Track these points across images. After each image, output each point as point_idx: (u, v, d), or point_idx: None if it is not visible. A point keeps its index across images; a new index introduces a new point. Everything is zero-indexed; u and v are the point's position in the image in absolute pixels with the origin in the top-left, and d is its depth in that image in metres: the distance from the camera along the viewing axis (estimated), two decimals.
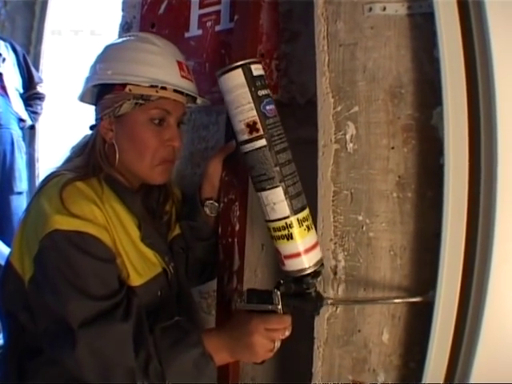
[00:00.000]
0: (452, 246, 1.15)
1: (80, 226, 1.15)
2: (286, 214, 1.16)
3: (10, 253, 1.27)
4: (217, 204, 1.48)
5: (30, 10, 3.93)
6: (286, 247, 1.18)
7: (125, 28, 2.05)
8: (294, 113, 1.27)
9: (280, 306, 1.17)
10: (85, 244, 1.15)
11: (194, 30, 1.74)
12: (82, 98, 1.39)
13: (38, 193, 1.25)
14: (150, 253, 1.34)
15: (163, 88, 1.28)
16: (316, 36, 1.36)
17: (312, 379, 1.40)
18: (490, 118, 1.11)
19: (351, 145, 1.32)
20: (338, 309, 1.36)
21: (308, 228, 1.18)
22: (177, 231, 1.53)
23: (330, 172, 1.35)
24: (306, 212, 1.19)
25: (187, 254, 1.54)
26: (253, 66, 1.15)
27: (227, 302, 1.46)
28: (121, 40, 1.38)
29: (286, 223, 1.16)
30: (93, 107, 1.37)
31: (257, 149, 1.15)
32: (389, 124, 1.28)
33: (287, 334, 1.20)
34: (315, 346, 1.40)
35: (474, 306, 1.15)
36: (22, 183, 3.63)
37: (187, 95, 1.36)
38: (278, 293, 1.18)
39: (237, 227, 1.45)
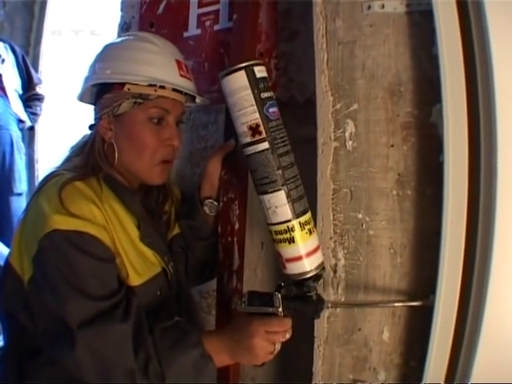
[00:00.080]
0: (452, 243, 1.15)
1: (79, 225, 1.15)
2: (288, 218, 1.15)
3: (10, 253, 1.26)
4: (216, 203, 1.48)
5: (29, 11, 3.92)
6: (287, 251, 1.17)
7: (124, 28, 2.05)
8: (294, 111, 1.27)
9: (281, 309, 1.17)
10: (84, 244, 1.15)
11: (193, 30, 1.74)
12: (81, 98, 1.39)
13: (37, 193, 1.25)
14: (149, 252, 1.34)
15: (162, 87, 1.28)
16: (315, 34, 1.36)
17: (312, 378, 1.40)
18: (490, 115, 1.11)
19: (350, 143, 1.32)
20: (338, 308, 1.36)
21: (310, 231, 1.18)
22: (176, 231, 1.52)
23: (330, 170, 1.35)
24: (307, 215, 1.19)
25: (187, 254, 1.54)
26: (256, 68, 1.14)
27: (227, 302, 1.46)
28: (120, 39, 1.38)
29: (287, 227, 1.16)
30: (92, 107, 1.37)
31: (259, 152, 1.15)
32: (388, 122, 1.28)
33: (288, 336, 1.20)
34: (315, 345, 1.40)
35: (474, 305, 1.15)
36: (21, 184, 3.62)
37: (186, 94, 1.35)
38: (279, 295, 1.18)
39: (236, 226, 1.44)
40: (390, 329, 1.31)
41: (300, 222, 1.16)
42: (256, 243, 1.70)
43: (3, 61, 3.60)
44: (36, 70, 3.89)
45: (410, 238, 1.27)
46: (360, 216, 1.32)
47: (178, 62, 1.33)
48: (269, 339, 1.17)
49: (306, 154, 1.26)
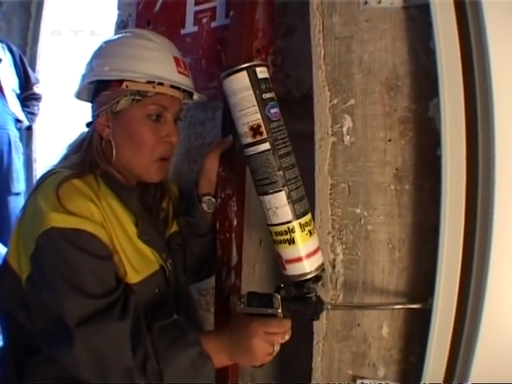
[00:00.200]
0: (450, 238, 1.15)
1: (77, 223, 1.15)
2: (289, 219, 1.15)
3: (7, 252, 1.27)
4: (214, 200, 1.48)
5: (26, 11, 3.93)
6: (287, 252, 1.17)
7: (121, 26, 2.05)
8: (290, 107, 1.28)
9: (280, 310, 1.17)
10: (81, 241, 1.15)
11: (190, 27, 1.74)
12: (79, 96, 1.39)
13: (34, 191, 1.25)
14: (147, 250, 1.34)
15: (160, 84, 1.28)
16: (312, 30, 1.36)
17: (312, 374, 1.40)
18: (487, 109, 1.11)
19: (348, 137, 1.32)
20: (337, 303, 1.36)
21: (310, 233, 1.18)
22: (174, 228, 1.52)
23: (327, 165, 1.35)
24: (308, 216, 1.19)
25: (185, 251, 1.54)
26: (258, 69, 1.14)
27: (225, 299, 1.45)
28: (117, 37, 1.38)
29: (288, 228, 1.15)
30: (89, 105, 1.37)
31: (260, 152, 1.14)
32: (385, 116, 1.28)
33: (287, 337, 1.20)
34: (314, 341, 1.40)
35: (473, 302, 1.15)
36: (19, 184, 3.63)
37: (184, 91, 1.36)
38: (279, 297, 1.18)
39: (234, 222, 1.44)
40: (389, 324, 1.31)
41: (300, 223, 1.16)
42: (254, 240, 1.70)
43: (0, 60, 3.60)
44: (33, 69, 3.89)
45: (408, 233, 1.27)
46: (358, 211, 1.32)
47: (175, 58, 1.33)
48: (268, 340, 1.18)
49: (303, 149, 1.25)
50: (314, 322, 1.37)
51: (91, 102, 1.35)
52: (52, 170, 1.29)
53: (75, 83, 1.36)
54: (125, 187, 1.36)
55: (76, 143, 1.37)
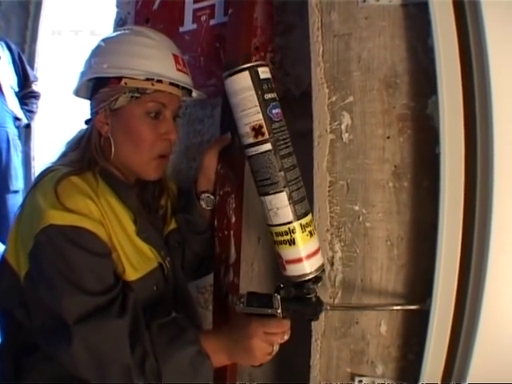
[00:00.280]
0: (449, 235, 1.15)
1: (75, 220, 1.15)
2: (289, 220, 1.15)
3: (5, 249, 1.26)
4: (212, 197, 1.47)
5: (25, 10, 3.93)
6: (287, 252, 1.17)
7: (119, 24, 2.05)
8: (289, 105, 1.28)
9: (280, 310, 1.17)
10: (80, 239, 1.14)
11: (189, 25, 1.74)
12: (77, 93, 1.38)
13: (33, 188, 1.25)
14: (145, 247, 1.34)
15: (159, 81, 1.28)
16: (310, 27, 1.36)
17: (310, 372, 1.40)
18: (486, 107, 1.11)
19: (347, 135, 1.32)
20: (336, 300, 1.36)
21: (310, 234, 1.17)
22: (173, 225, 1.52)
23: (326, 162, 1.35)
24: (309, 217, 1.18)
25: (183, 249, 1.54)
26: (260, 69, 1.14)
27: (224, 296, 1.45)
28: (115, 34, 1.37)
29: (288, 228, 1.15)
30: (87, 102, 1.36)
31: (261, 153, 1.14)
32: (384, 114, 1.28)
33: (286, 338, 1.20)
34: (313, 339, 1.40)
35: (471, 299, 1.15)
36: (18, 182, 3.64)
37: (183, 88, 1.35)
38: (278, 297, 1.17)
39: (233, 220, 1.44)
40: (387, 322, 1.31)
41: (301, 224, 1.15)
42: (253, 237, 1.69)
43: None
44: (32, 67, 3.89)
45: (406, 230, 1.27)
46: (356, 208, 1.32)
47: (174, 56, 1.33)
48: (267, 340, 1.18)
49: (302, 147, 1.25)
50: None
51: (90, 100, 1.35)
52: (50, 167, 1.28)
53: (74, 81, 1.36)
54: (123, 184, 1.35)
55: (74, 140, 1.37)
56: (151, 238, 1.36)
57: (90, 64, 1.32)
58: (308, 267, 1.16)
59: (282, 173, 1.14)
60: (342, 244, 1.34)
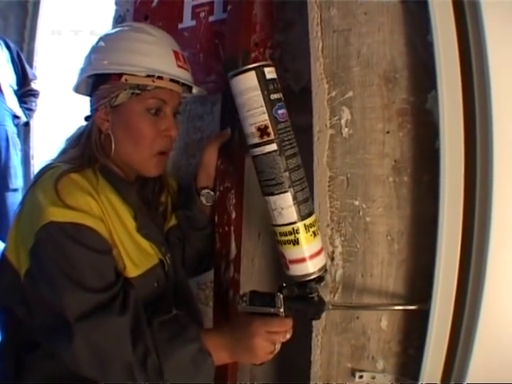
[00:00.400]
0: (449, 230, 1.15)
1: (75, 217, 1.14)
2: (294, 220, 1.15)
3: (5, 247, 1.26)
4: (213, 193, 1.47)
5: (23, 8, 3.92)
6: (291, 252, 1.17)
7: (118, 21, 2.05)
8: (289, 101, 1.27)
9: (282, 310, 1.17)
10: (81, 236, 1.14)
11: (188, 21, 1.74)
12: (77, 89, 1.38)
13: (33, 185, 1.24)
14: (146, 244, 1.34)
15: (160, 78, 1.28)
16: (310, 23, 1.36)
17: (311, 367, 1.41)
18: (485, 101, 1.11)
19: (346, 130, 1.32)
20: (336, 296, 1.36)
21: (314, 234, 1.17)
22: (173, 222, 1.52)
23: (326, 157, 1.35)
24: (312, 218, 1.18)
25: (184, 245, 1.54)
26: (266, 69, 1.13)
27: (224, 292, 1.46)
28: (115, 30, 1.37)
29: (292, 228, 1.15)
30: (87, 99, 1.36)
31: (267, 153, 1.14)
32: (384, 108, 1.28)
33: (288, 336, 1.20)
34: (313, 334, 1.40)
35: (471, 294, 1.16)
36: (17, 180, 3.63)
37: (183, 85, 1.35)
38: (281, 296, 1.18)
39: (233, 215, 1.44)
40: (388, 317, 1.31)
41: (305, 225, 1.15)
42: (253, 233, 1.70)
43: None
44: (30, 66, 3.88)
45: (406, 225, 1.27)
46: (357, 203, 1.32)
47: (175, 52, 1.33)
48: (269, 339, 1.17)
49: (302, 142, 1.25)
50: None
51: (90, 96, 1.35)
52: (50, 164, 1.28)
53: (73, 78, 1.36)
54: (124, 181, 1.35)
55: (74, 137, 1.36)
56: (151, 235, 1.36)
57: (89, 60, 1.31)
58: (311, 267, 1.17)
59: (287, 173, 1.14)
60: (343, 239, 1.35)
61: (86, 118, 1.36)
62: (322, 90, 1.34)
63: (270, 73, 1.14)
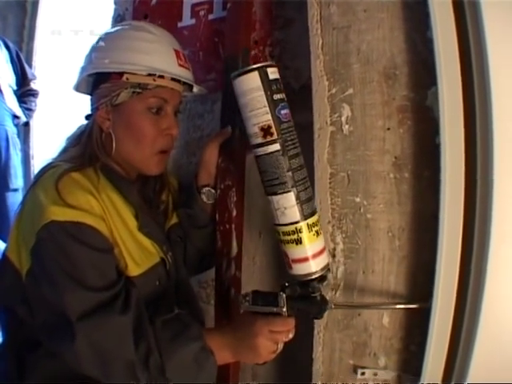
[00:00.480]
0: (450, 226, 1.15)
1: (77, 216, 1.14)
2: (297, 219, 1.15)
3: (7, 246, 1.26)
4: (213, 191, 1.47)
5: (22, 8, 3.92)
6: (294, 251, 1.17)
7: (117, 20, 2.05)
8: (289, 98, 1.28)
9: (285, 309, 1.17)
10: (82, 235, 1.14)
11: (187, 20, 1.74)
12: (77, 88, 1.38)
13: (33, 184, 1.24)
14: (147, 242, 1.33)
15: (161, 77, 1.28)
16: (309, 20, 1.37)
17: (313, 364, 1.41)
18: (485, 97, 1.11)
19: (347, 127, 1.32)
20: (338, 292, 1.37)
21: (317, 233, 1.18)
22: (174, 220, 1.52)
23: (327, 154, 1.35)
24: (315, 217, 1.19)
25: (185, 243, 1.54)
26: (269, 70, 1.13)
27: (226, 290, 1.45)
28: (116, 29, 1.36)
29: (295, 228, 1.15)
30: (87, 98, 1.36)
31: (270, 153, 1.14)
32: (384, 105, 1.28)
33: (290, 336, 1.20)
34: (315, 331, 1.41)
35: (473, 290, 1.16)
36: (17, 180, 3.62)
37: (184, 83, 1.35)
38: (284, 296, 1.18)
39: (234, 213, 1.44)
40: (389, 314, 1.32)
41: (308, 224, 1.16)
42: (254, 231, 1.70)
43: None
44: (29, 65, 3.88)
45: (408, 221, 1.28)
46: (358, 200, 1.33)
47: (176, 51, 1.33)
48: (272, 339, 1.17)
49: (302, 140, 1.25)
50: None
51: (90, 95, 1.35)
52: (51, 163, 1.28)
53: (74, 76, 1.35)
54: (125, 180, 1.35)
55: (75, 136, 1.36)
56: (153, 233, 1.36)
57: (90, 59, 1.31)
58: (314, 266, 1.17)
59: (290, 173, 1.14)
60: (344, 236, 1.35)
61: (87, 117, 1.36)
62: (323, 87, 1.35)
63: (272, 73, 1.14)
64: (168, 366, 1.13)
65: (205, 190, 1.47)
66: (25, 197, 1.26)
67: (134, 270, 1.26)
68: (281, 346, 1.20)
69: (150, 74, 1.27)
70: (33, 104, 3.84)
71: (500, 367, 1.18)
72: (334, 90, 1.33)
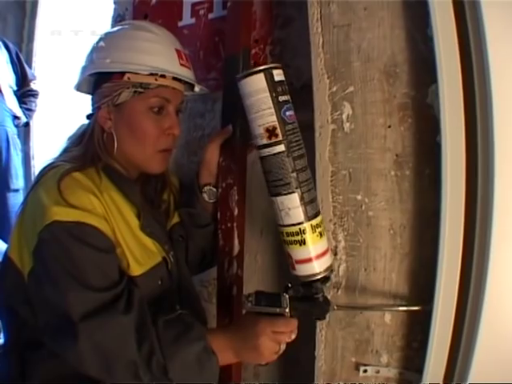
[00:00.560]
0: (451, 223, 1.15)
1: (79, 216, 1.14)
2: (300, 220, 1.15)
3: (8, 247, 1.25)
4: (215, 190, 1.47)
5: (21, 9, 3.92)
6: (298, 252, 1.18)
7: (117, 20, 2.05)
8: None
9: (288, 310, 1.17)
10: (84, 235, 1.14)
11: (187, 19, 1.75)
12: (78, 88, 1.38)
13: (35, 184, 1.24)
14: (149, 242, 1.33)
15: (162, 76, 1.28)
16: (310, 18, 1.37)
17: (315, 362, 1.41)
18: (485, 94, 1.11)
19: (348, 125, 1.32)
20: (340, 291, 1.37)
21: (320, 234, 1.18)
22: (176, 219, 1.52)
23: (328, 152, 1.35)
24: (319, 218, 1.19)
25: (187, 242, 1.53)
26: (275, 71, 1.14)
27: (228, 289, 1.45)
28: (117, 29, 1.37)
29: (299, 229, 1.16)
30: (88, 98, 1.36)
31: (275, 154, 1.14)
32: (385, 103, 1.28)
33: (293, 337, 1.20)
34: (317, 329, 1.41)
35: (474, 288, 1.16)
36: (18, 180, 3.62)
37: (185, 83, 1.35)
38: (287, 296, 1.18)
39: (236, 212, 1.44)
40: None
41: (312, 225, 1.16)
42: (256, 230, 1.70)
43: None
44: (29, 66, 3.88)
45: (409, 219, 1.28)
46: (359, 197, 1.33)
47: (177, 51, 1.33)
48: (275, 339, 1.17)
49: (303, 138, 1.25)
50: None
51: (91, 95, 1.35)
52: (53, 163, 1.28)
53: (75, 76, 1.35)
54: (126, 180, 1.35)
55: (76, 136, 1.36)
56: (155, 233, 1.36)
57: (91, 59, 1.31)
58: (317, 267, 1.17)
59: (295, 174, 1.14)
60: (345, 233, 1.35)
61: (88, 117, 1.35)
62: (323, 85, 1.35)
63: (278, 75, 1.15)
64: (170, 367, 1.12)
65: (206, 188, 1.47)
66: (26, 197, 1.26)
67: (136, 270, 1.26)
68: (283, 346, 1.20)
69: (151, 74, 1.27)
70: (33, 104, 3.84)
71: (502, 366, 1.17)
72: (334, 88, 1.33)
